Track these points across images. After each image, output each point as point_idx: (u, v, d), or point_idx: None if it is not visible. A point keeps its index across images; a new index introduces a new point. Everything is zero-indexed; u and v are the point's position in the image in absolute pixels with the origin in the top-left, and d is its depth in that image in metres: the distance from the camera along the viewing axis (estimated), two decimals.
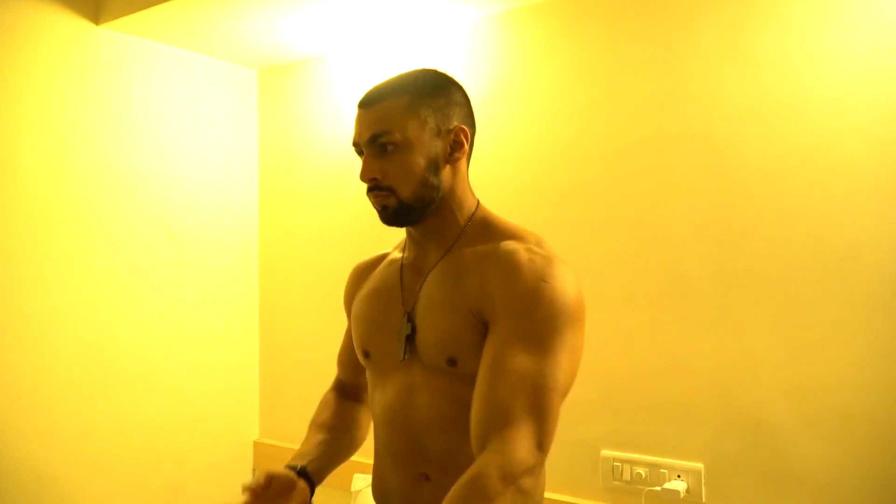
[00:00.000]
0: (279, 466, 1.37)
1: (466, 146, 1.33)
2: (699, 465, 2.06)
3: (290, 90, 2.99)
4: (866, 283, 1.87)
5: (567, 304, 1.20)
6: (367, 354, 1.42)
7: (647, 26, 2.20)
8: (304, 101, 2.94)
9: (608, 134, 2.26)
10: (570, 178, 2.32)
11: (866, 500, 1.85)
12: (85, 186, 2.52)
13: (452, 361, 1.25)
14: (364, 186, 1.32)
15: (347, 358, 1.60)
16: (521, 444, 1.09)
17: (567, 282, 1.23)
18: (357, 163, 1.36)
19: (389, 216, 1.30)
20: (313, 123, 2.90)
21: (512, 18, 2.45)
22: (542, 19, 2.40)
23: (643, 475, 2.13)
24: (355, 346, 1.46)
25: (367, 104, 1.30)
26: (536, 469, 1.10)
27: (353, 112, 1.36)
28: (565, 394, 1.18)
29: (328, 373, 1.70)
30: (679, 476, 2.08)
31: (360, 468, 2.27)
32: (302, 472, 1.38)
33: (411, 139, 1.27)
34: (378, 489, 1.42)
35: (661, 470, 2.11)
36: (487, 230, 1.33)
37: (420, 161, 1.27)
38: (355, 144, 1.32)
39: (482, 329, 1.23)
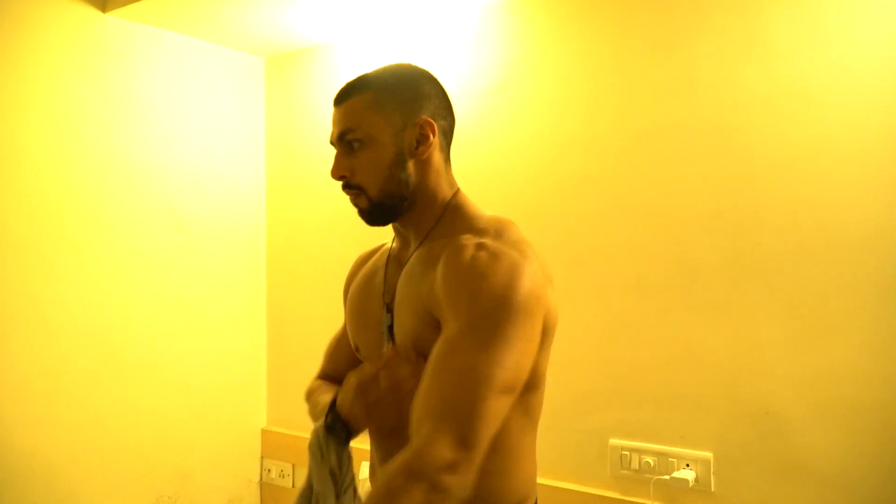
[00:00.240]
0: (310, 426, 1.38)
1: (433, 139, 1.30)
2: (708, 455, 2.06)
3: (297, 78, 2.98)
4: (877, 272, 1.85)
5: (510, 298, 1.14)
6: (357, 349, 1.44)
7: (658, 12, 2.18)
8: (312, 90, 2.93)
9: (617, 122, 2.24)
10: (579, 167, 2.31)
11: (875, 489, 1.85)
12: (92, 175, 2.52)
13: (422, 355, 1.22)
14: None
15: (337, 349, 1.60)
16: (439, 440, 1.04)
17: (513, 276, 1.17)
18: None
19: (367, 217, 1.32)
20: (321, 111, 2.88)
21: (520, 5, 2.43)
22: (550, 6, 2.38)
23: (652, 464, 2.13)
24: (350, 339, 1.48)
25: (337, 101, 1.31)
26: (460, 465, 1.04)
27: None
28: (507, 389, 1.12)
29: None
30: (688, 465, 2.08)
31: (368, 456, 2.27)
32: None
33: (375, 136, 1.27)
34: (371, 474, 1.45)
35: (670, 459, 2.10)
36: (455, 221, 1.31)
37: (385, 157, 1.27)
38: (331, 142, 1.33)
39: (438, 326, 1.21)
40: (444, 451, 1.03)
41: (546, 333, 1.25)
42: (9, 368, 2.30)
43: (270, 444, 3.03)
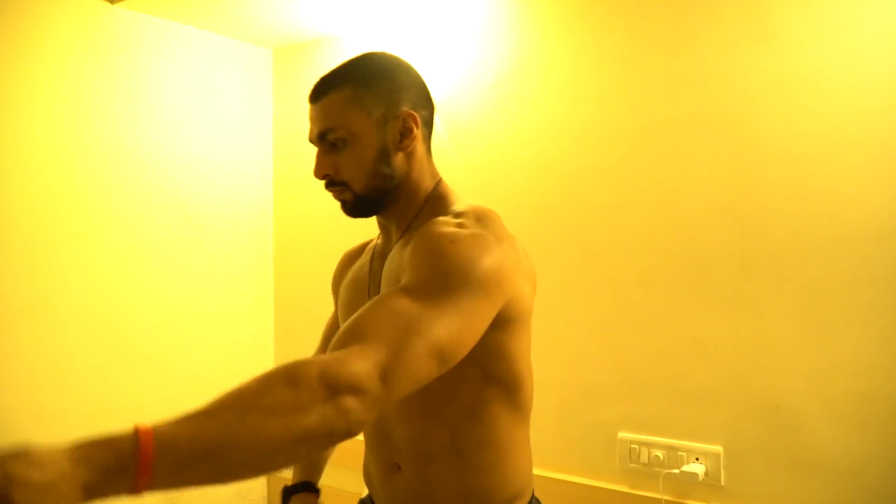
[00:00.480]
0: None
1: (416, 131, 1.27)
2: (718, 448, 2.05)
3: (305, 70, 2.97)
4: (889, 264, 1.83)
5: (472, 269, 1.08)
6: None
7: (667, 4, 2.16)
8: None
9: (627, 115, 2.23)
10: (588, 160, 2.29)
11: (886, 482, 1.84)
12: (99, 167, 2.52)
13: None
14: None
15: (325, 337, 1.60)
16: (363, 362, 0.93)
17: (480, 251, 1.10)
18: None
19: (350, 210, 1.29)
20: None
21: None
22: None
23: (661, 458, 2.12)
24: None
25: (313, 98, 1.28)
26: (368, 396, 0.92)
27: None
28: (438, 355, 1.01)
29: None
30: (697, 459, 2.07)
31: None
32: (311, 487, 1.48)
33: (357, 133, 1.23)
34: (365, 474, 1.42)
35: (679, 453, 2.09)
36: (438, 210, 1.27)
37: (369, 153, 1.24)
38: (310, 141, 1.30)
39: None
40: (364, 374, 0.92)
41: (513, 322, 1.19)
42: (17, 361, 2.31)
43: None
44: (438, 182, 1.33)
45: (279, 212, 3.08)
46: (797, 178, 1.96)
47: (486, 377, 1.21)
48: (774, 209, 1.99)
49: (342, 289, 1.46)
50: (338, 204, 1.32)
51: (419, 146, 1.29)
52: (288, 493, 1.48)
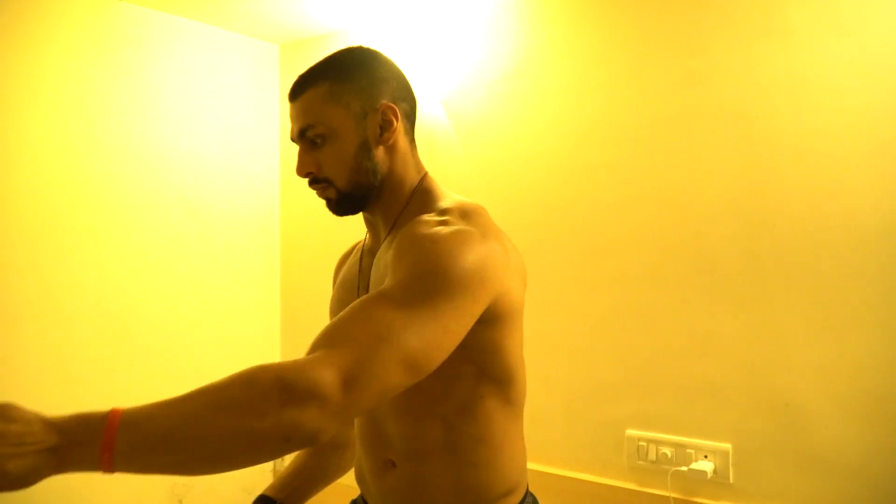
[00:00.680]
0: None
1: (397, 124, 1.25)
2: (727, 446, 2.03)
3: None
4: None
5: (451, 268, 1.06)
6: None
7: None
8: None
9: (635, 110, 2.21)
10: (596, 156, 2.28)
11: None
12: (106, 162, 2.52)
13: None
14: None
15: None
16: (325, 368, 0.92)
17: (461, 248, 1.09)
18: None
19: (335, 208, 1.27)
20: None
21: None
22: None
23: (669, 455, 2.11)
24: None
25: (292, 96, 1.26)
26: (328, 404, 0.90)
27: None
28: (409, 362, 0.99)
29: None
30: (706, 456, 2.05)
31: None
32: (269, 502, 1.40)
33: (337, 128, 1.22)
34: (357, 473, 1.40)
35: (688, 450, 2.08)
36: (423, 206, 1.25)
37: (349, 148, 1.22)
38: (292, 139, 1.28)
39: None
40: (327, 377, 0.92)
41: (504, 318, 1.18)
42: (24, 356, 2.31)
43: None
44: (424, 176, 1.31)
45: (286, 207, 3.07)
46: (806, 174, 1.94)
47: (479, 373, 1.20)
48: (783, 205, 1.97)
49: (334, 289, 1.46)
50: None
51: (401, 139, 1.28)
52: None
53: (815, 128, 1.93)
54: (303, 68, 1.26)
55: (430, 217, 1.18)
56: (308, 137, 1.23)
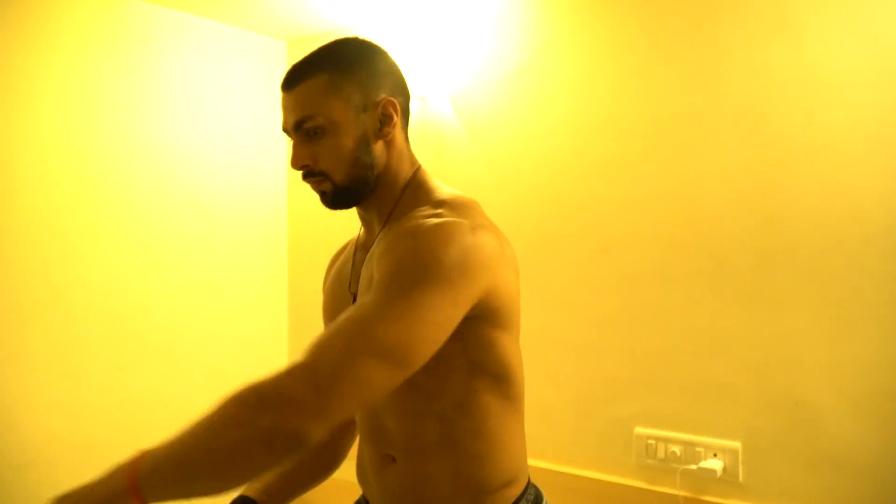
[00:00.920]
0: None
1: (396, 118, 1.24)
2: (736, 444, 2.02)
3: None
4: None
5: (434, 262, 1.05)
6: None
7: None
8: None
9: (644, 107, 2.20)
10: (605, 152, 2.27)
11: None
12: (113, 159, 2.52)
13: None
14: None
15: None
16: (296, 372, 0.95)
17: (447, 242, 1.08)
18: None
19: (329, 201, 1.25)
20: None
21: None
22: None
23: (678, 453, 2.10)
24: None
25: (287, 86, 1.23)
26: (304, 406, 0.93)
27: None
28: (387, 355, 0.99)
29: None
30: (715, 455, 2.05)
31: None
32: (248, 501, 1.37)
33: (337, 121, 1.19)
34: (358, 467, 1.39)
35: (697, 448, 2.07)
36: (417, 200, 1.24)
37: (348, 142, 1.20)
38: (284, 130, 1.25)
39: None
40: (295, 384, 0.94)
41: (497, 312, 1.17)
42: (33, 353, 2.31)
43: None
44: (417, 169, 1.30)
45: (293, 204, 3.07)
46: (817, 171, 1.93)
47: (473, 368, 1.19)
48: (793, 203, 1.96)
49: (325, 290, 1.45)
50: None
51: (398, 134, 1.27)
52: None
53: (826, 125, 1.91)
54: None
55: (422, 211, 1.17)
56: (305, 129, 1.20)
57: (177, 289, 2.70)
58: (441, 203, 1.19)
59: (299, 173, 1.25)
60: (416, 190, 1.27)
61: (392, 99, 1.24)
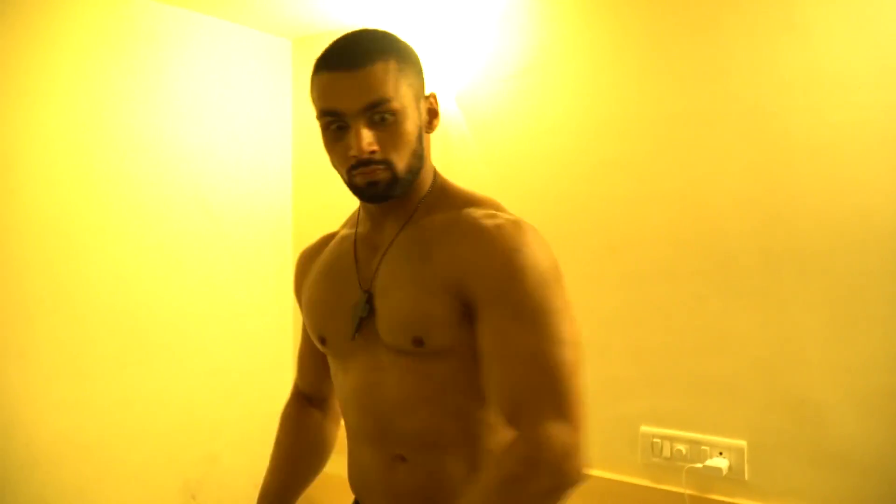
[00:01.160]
0: None
1: (439, 113, 1.24)
2: (742, 443, 2.02)
3: None
4: None
5: (545, 269, 1.14)
6: (323, 340, 1.32)
7: None
8: None
9: (649, 106, 2.20)
10: (610, 151, 2.27)
11: None
12: (118, 158, 2.52)
13: (418, 341, 1.15)
14: None
15: (308, 362, 1.52)
16: (553, 427, 1.07)
17: (538, 246, 1.15)
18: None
19: (382, 191, 1.17)
20: None
21: None
22: None
23: (683, 452, 2.10)
24: (311, 333, 1.36)
25: (351, 65, 1.13)
26: (577, 448, 1.08)
27: None
28: (575, 360, 1.14)
29: None
30: (721, 453, 2.04)
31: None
32: None
33: (407, 107, 1.15)
34: (355, 473, 1.35)
35: (703, 447, 2.07)
36: (445, 199, 1.23)
37: (413, 130, 1.17)
38: (332, 113, 1.16)
39: (458, 306, 1.13)
40: (563, 436, 1.07)
41: None
42: (38, 352, 2.31)
43: None
44: (436, 172, 1.30)
45: (298, 204, 3.07)
46: (823, 171, 1.92)
47: None
48: (800, 202, 1.96)
49: (308, 286, 1.39)
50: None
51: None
52: None
53: (832, 125, 1.91)
54: None
55: (477, 212, 1.18)
56: (378, 112, 1.12)
57: (182, 288, 2.71)
58: (484, 203, 1.22)
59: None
60: (443, 190, 1.26)
61: (435, 94, 1.24)
